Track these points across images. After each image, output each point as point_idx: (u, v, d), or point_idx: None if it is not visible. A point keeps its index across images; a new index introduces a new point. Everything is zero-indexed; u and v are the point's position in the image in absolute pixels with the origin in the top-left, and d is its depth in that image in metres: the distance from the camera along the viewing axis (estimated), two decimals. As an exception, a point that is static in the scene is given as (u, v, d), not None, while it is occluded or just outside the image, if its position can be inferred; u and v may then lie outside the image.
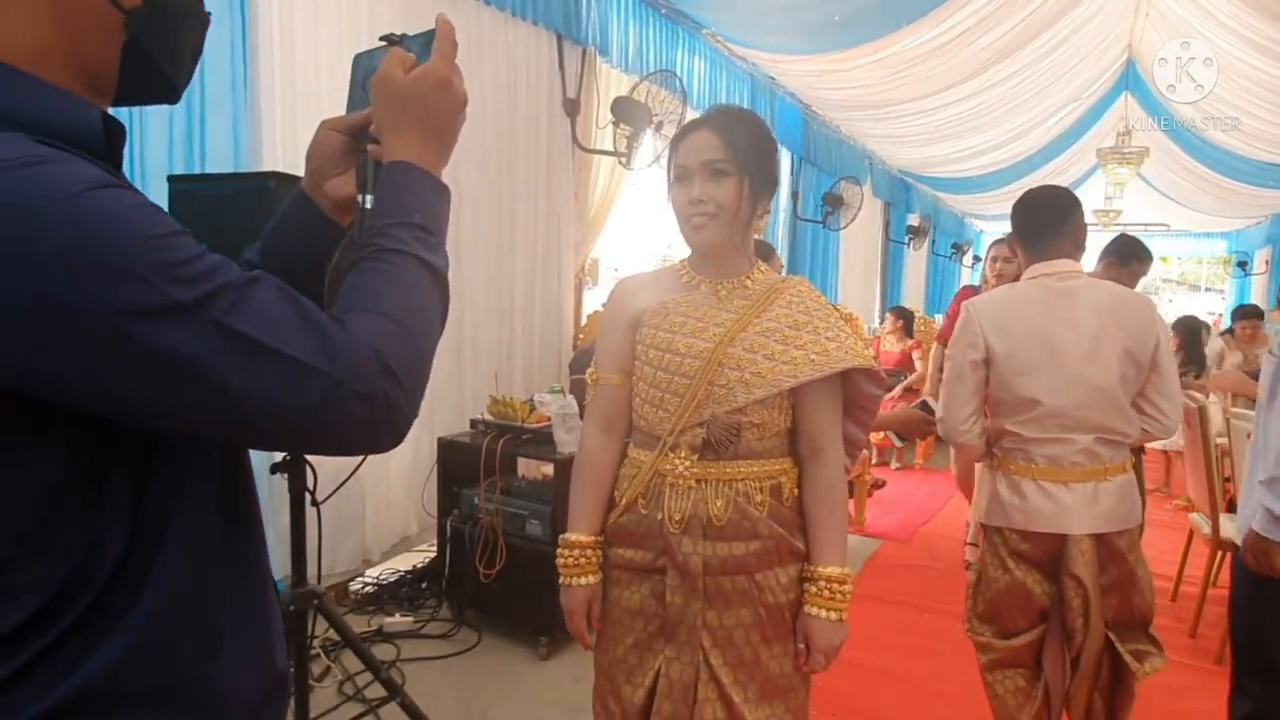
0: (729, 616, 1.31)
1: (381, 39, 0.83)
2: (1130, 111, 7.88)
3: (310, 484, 2.12)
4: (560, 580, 1.41)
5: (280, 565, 2.74)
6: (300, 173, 0.91)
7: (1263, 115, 6.32)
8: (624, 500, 1.37)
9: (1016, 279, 2.76)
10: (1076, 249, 1.95)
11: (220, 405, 0.59)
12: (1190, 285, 20.77)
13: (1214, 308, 14.42)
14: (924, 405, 2.26)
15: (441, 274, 0.75)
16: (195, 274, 0.58)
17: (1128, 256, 3.12)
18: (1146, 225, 12.06)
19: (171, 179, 2.10)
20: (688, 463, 1.31)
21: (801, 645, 1.33)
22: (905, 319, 6.79)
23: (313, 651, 2.46)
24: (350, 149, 0.86)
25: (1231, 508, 3.12)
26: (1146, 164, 8.00)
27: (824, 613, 1.31)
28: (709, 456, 1.31)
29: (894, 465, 6.33)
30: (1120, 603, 1.90)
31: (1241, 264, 12.55)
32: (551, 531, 2.82)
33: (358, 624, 2.98)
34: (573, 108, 4.13)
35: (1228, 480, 3.35)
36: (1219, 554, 3.21)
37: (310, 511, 2.12)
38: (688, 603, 1.31)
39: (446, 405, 3.49)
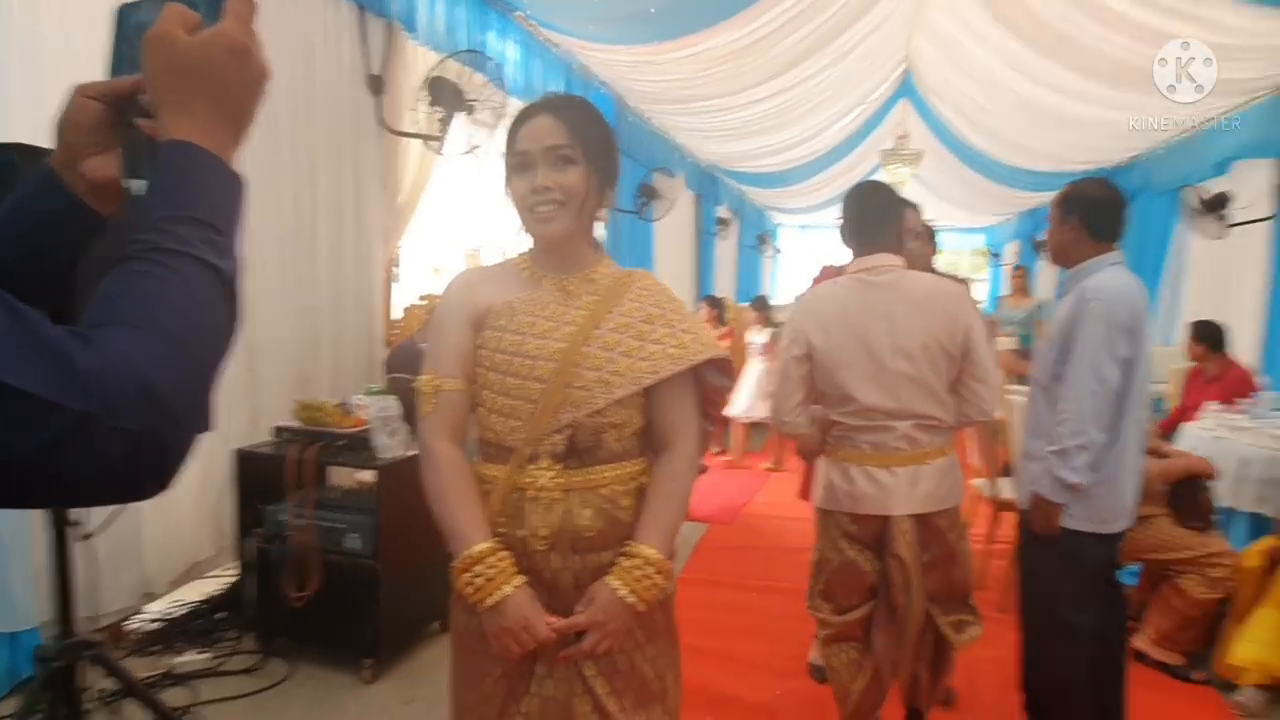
0: None
1: None
2: (907, 116, 8.69)
3: (71, 514, 1.79)
4: (484, 604, 1.18)
5: (41, 609, 2.32)
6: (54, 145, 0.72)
7: (1016, 125, 7.20)
8: None
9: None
10: (898, 244, 2.06)
11: None
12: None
13: (975, 294, 16.39)
14: None
15: (230, 279, 0.61)
16: None
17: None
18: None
19: None
20: (551, 473, 1.22)
21: (579, 607, 1.22)
22: (718, 308, 7.06)
23: (84, 707, 2.09)
24: (114, 122, 0.69)
25: (1007, 473, 3.53)
26: (921, 165, 8.87)
27: (625, 591, 1.20)
28: (573, 465, 1.23)
29: (714, 449, 6.56)
30: (942, 577, 2.04)
31: (995, 255, 14.36)
32: (374, 544, 2.60)
33: (142, 668, 2.59)
34: (377, 85, 3.84)
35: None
36: (997, 514, 3.61)
37: (76, 547, 1.79)
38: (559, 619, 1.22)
39: (241, 413, 3.11)
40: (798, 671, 2.75)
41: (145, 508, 2.73)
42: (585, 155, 1.23)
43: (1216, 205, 5.36)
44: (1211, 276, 6.51)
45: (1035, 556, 2.25)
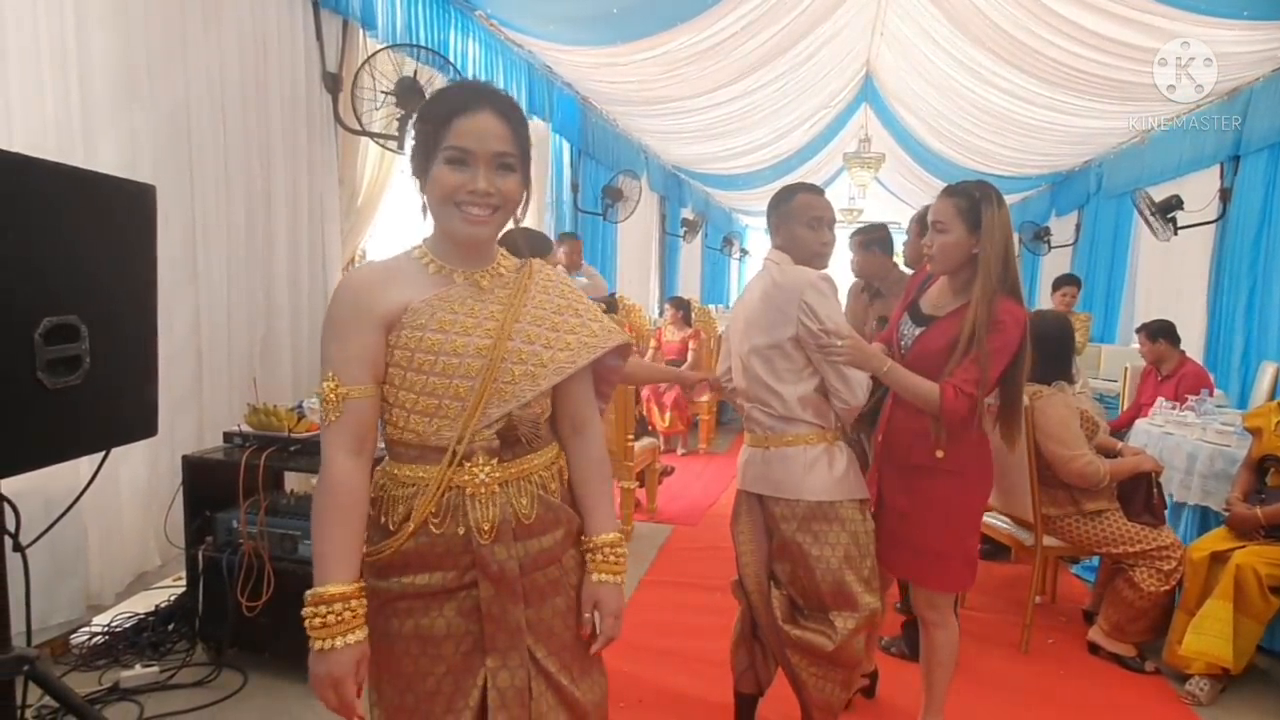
0: (546, 609, 1.31)
1: None
2: (869, 121, 8.79)
3: (10, 524, 1.72)
4: (313, 645, 1.16)
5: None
6: None
7: (974, 130, 7.33)
8: (412, 523, 1.22)
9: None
10: (780, 242, 2.19)
11: None
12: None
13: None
14: None
15: None
16: None
17: (869, 242, 3.61)
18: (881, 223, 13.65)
19: None
20: (488, 468, 1.23)
21: (587, 615, 1.34)
22: (683, 309, 7.07)
23: (23, 726, 2.01)
24: None
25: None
26: (883, 168, 8.98)
27: (611, 578, 1.35)
28: (506, 457, 1.25)
29: (680, 451, 6.56)
30: (791, 571, 2.11)
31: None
32: (328, 551, 2.54)
33: (86, 683, 2.50)
34: (334, 83, 3.78)
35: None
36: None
37: (13, 558, 1.72)
38: (507, 610, 1.25)
39: (189, 418, 3.02)
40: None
41: (88, 519, 2.65)
42: (522, 163, 1.24)
43: (1168, 209, 5.49)
44: (1158, 278, 6.69)
45: None
